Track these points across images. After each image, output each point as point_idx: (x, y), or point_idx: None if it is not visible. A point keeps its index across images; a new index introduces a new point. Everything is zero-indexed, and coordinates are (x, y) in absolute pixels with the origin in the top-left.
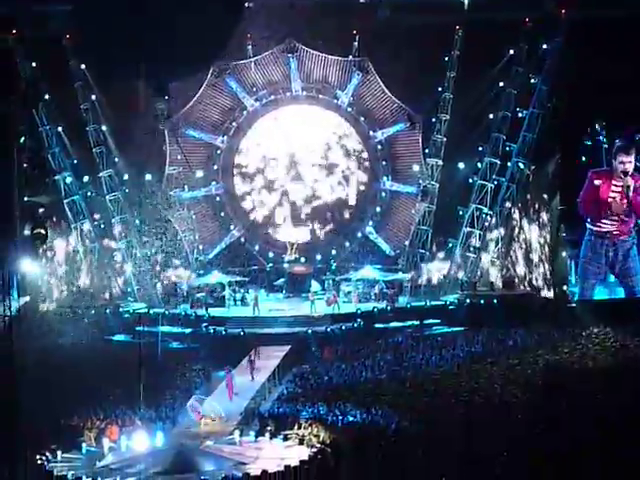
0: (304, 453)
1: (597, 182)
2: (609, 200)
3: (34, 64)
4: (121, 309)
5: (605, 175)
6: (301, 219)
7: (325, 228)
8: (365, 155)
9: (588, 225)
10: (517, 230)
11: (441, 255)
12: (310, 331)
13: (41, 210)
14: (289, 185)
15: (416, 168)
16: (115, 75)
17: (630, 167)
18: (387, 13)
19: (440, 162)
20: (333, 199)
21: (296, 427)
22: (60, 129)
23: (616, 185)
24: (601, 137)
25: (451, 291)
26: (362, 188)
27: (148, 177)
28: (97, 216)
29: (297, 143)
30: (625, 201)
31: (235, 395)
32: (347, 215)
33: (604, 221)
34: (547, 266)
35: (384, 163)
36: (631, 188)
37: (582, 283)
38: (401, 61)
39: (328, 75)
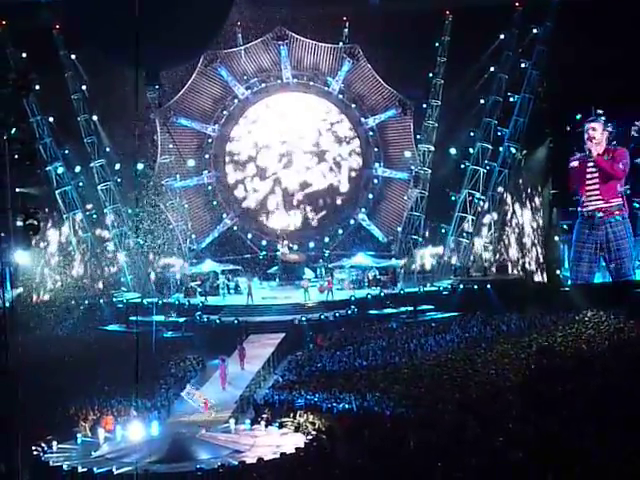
0: (300, 440)
1: (574, 164)
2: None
3: (24, 54)
4: (114, 299)
5: (582, 157)
6: (293, 206)
7: (318, 215)
8: (357, 142)
9: (579, 209)
10: (510, 215)
11: (434, 241)
12: (304, 318)
13: (33, 201)
14: (281, 173)
15: (408, 154)
16: (105, 65)
17: (594, 133)
18: None
19: (432, 148)
20: (325, 186)
21: (291, 415)
22: (51, 119)
23: (593, 163)
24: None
25: (444, 277)
26: (354, 175)
27: (140, 167)
28: (89, 206)
29: (288, 131)
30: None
31: (229, 384)
32: (339, 202)
33: (589, 199)
34: (540, 250)
35: (376, 149)
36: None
37: (576, 267)
38: (391, 47)
39: (319, 62)
